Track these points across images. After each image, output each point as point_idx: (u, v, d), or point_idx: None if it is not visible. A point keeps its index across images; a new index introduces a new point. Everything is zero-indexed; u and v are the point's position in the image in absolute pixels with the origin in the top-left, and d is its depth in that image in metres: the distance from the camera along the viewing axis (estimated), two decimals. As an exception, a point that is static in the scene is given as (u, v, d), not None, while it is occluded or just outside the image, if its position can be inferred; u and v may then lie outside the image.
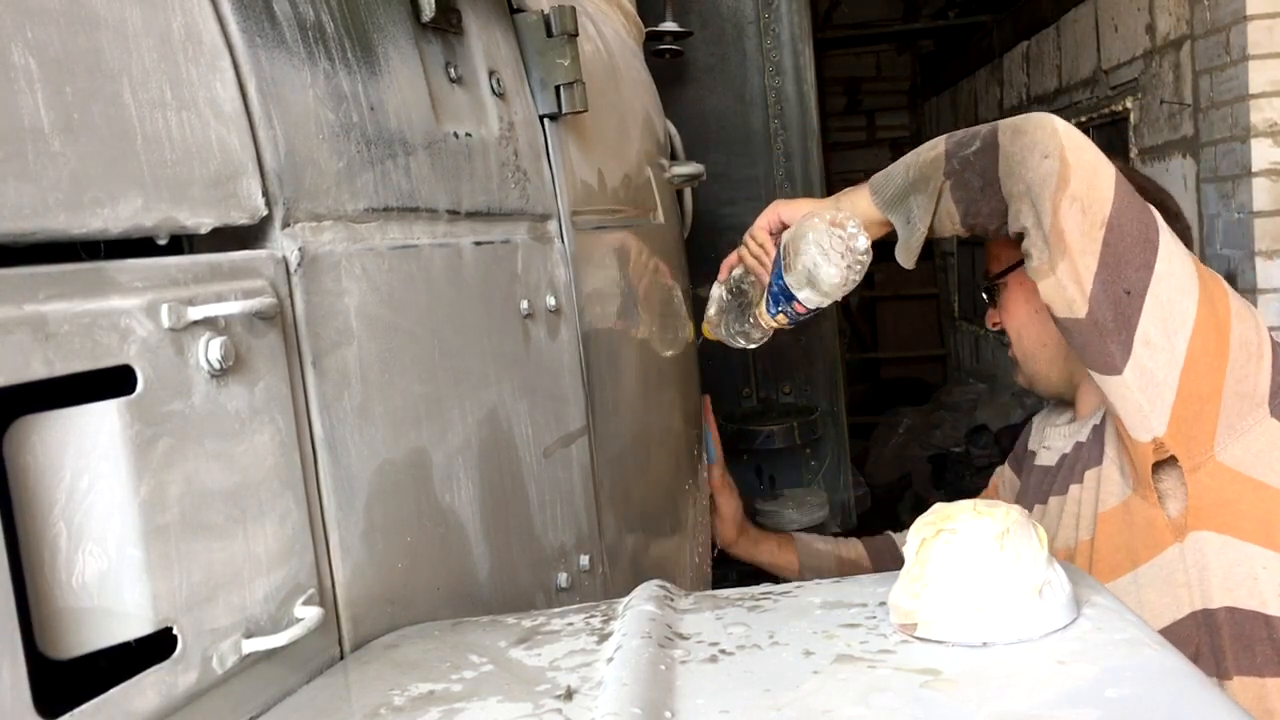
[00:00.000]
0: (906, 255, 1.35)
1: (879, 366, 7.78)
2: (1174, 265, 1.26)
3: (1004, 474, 1.78)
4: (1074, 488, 1.45)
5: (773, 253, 1.45)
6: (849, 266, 1.36)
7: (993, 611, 0.70)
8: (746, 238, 1.50)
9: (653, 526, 1.44)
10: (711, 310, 1.61)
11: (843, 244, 1.35)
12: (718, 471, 1.94)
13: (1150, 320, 1.24)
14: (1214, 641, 1.29)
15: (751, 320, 1.53)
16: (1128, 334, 1.24)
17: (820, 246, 1.36)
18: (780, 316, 1.47)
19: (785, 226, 1.45)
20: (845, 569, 1.86)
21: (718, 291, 1.60)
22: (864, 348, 7.79)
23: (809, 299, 1.41)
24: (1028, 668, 0.66)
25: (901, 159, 1.36)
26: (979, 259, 6.62)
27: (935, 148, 1.32)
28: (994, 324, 1.62)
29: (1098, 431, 1.44)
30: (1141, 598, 1.31)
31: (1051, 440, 1.56)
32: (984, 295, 1.63)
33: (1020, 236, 1.27)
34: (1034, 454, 1.62)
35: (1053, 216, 1.22)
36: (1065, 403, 1.60)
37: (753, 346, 1.61)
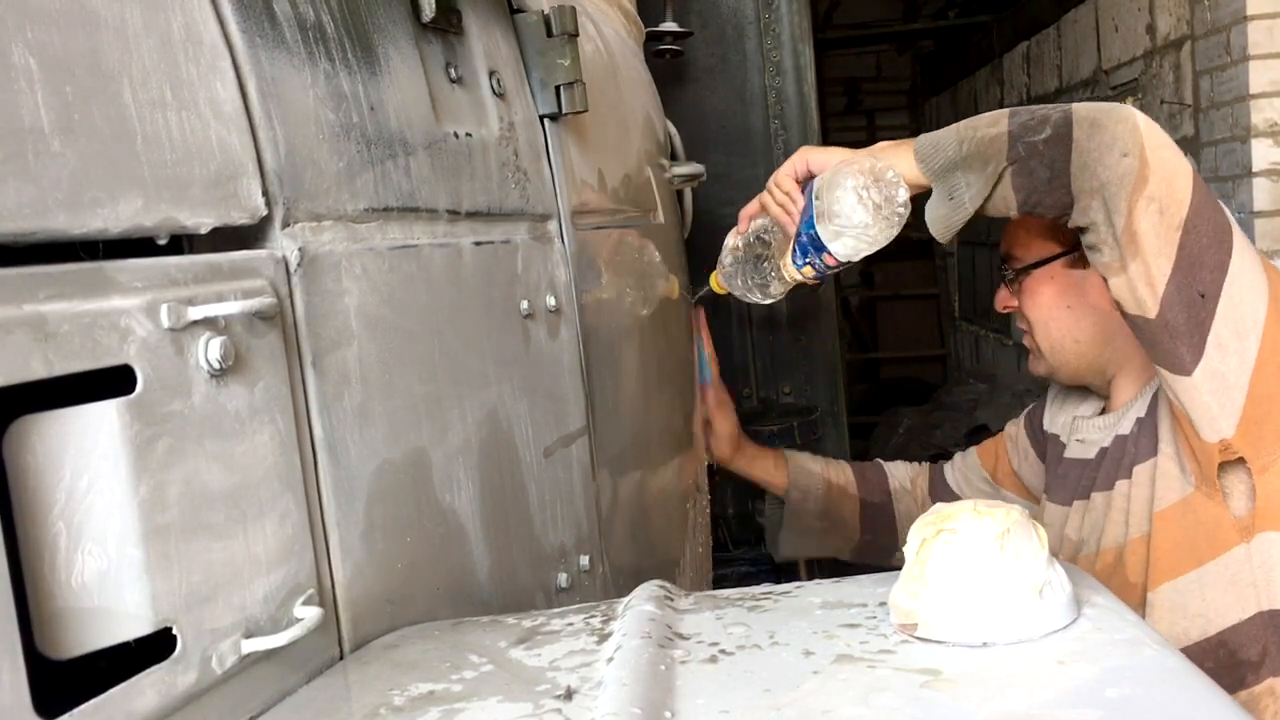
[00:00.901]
0: (945, 230, 1.27)
1: (879, 366, 7.78)
2: (1245, 264, 1.22)
3: (1017, 438, 1.73)
4: (1121, 483, 1.40)
5: (800, 201, 1.37)
6: (887, 218, 1.28)
7: (993, 611, 0.70)
8: (771, 184, 1.41)
9: (653, 526, 1.43)
10: (726, 260, 1.51)
11: (881, 194, 1.27)
12: (712, 392, 1.89)
13: (1223, 323, 1.20)
14: None
15: (773, 273, 1.44)
16: (1200, 336, 1.20)
17: (858, 195, 1.28)
18: (807, 269, 1.39)
19: (812, 175, 1.38)
20: (832, 493, 1.84)
21: (734, 241, 1.51)
22: (864, 348, 7.78)
23: (841, 250, 1.33)
24: (1028, 668, 0.66)
25: (952, 127, 1.28)
26: (979, 258, 6.61)
27: (997, 124, 1.23)
28: (1006, 307, 1.54)
29: (1143, 425, 1.39)
30: (1206, 597, 1.29)
31: (1085, 433, 1.51)
32: (1004, 278, 1.54)
33: (1082, 230, 1.22)
34: (1062, 444, 1.57)
35: (1127, 217, 1.17)
36: (1085, 389, 1.56)
37: (768, 301, 1.53)
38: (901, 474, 1.86)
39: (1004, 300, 1.54)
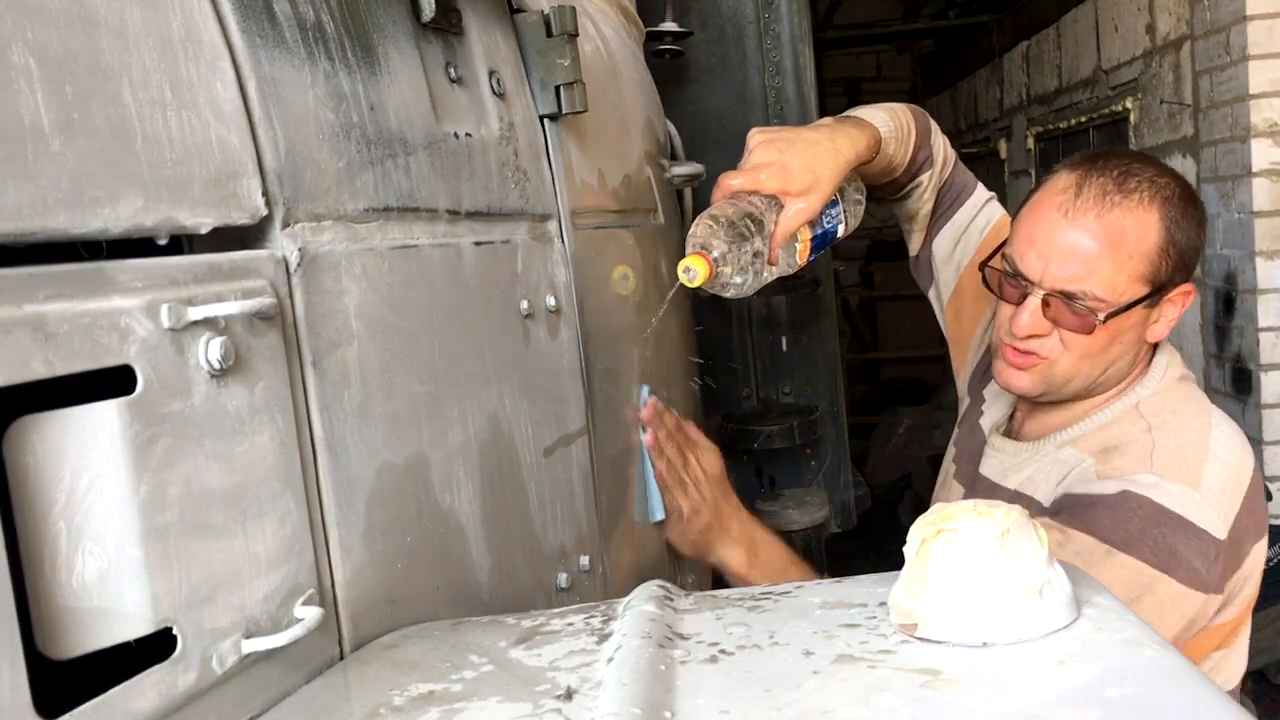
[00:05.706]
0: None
1: (879, 366, 7.77)
2: None
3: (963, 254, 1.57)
4: None
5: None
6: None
7: (993, 611, 0.70)
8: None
9: (653, 526, 1.43)
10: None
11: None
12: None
13: None
14: None
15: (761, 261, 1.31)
16: None
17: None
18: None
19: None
20: None
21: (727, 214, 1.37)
22: (864, 348, 7.77)
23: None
24: (1028, 668, 0.66)
25: None
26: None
27: None
28: (1036, 336, 1.26)
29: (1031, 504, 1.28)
30: None
31: (1000, 454, 1.40)
32: (1075, 310, 1.23)
33: None
34: (983, 435, 1.46)
35: None
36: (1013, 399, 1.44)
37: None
38: None
39: (1036, 327, 1.25)
